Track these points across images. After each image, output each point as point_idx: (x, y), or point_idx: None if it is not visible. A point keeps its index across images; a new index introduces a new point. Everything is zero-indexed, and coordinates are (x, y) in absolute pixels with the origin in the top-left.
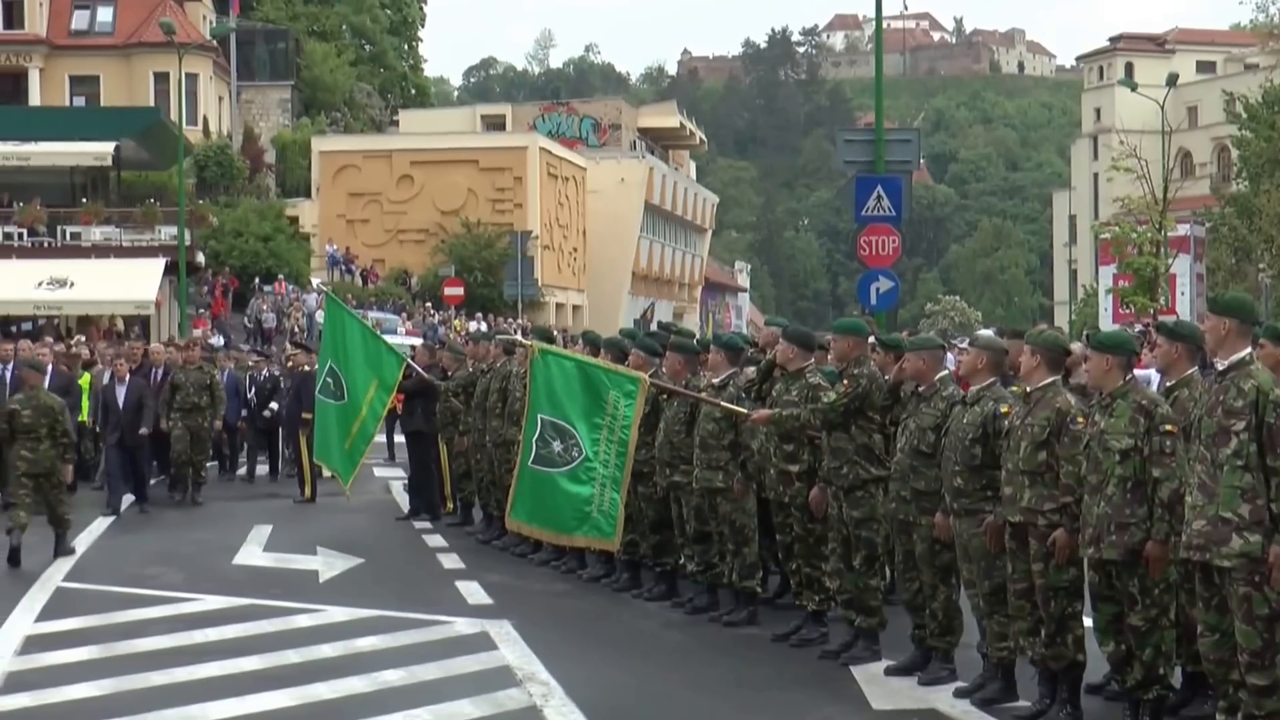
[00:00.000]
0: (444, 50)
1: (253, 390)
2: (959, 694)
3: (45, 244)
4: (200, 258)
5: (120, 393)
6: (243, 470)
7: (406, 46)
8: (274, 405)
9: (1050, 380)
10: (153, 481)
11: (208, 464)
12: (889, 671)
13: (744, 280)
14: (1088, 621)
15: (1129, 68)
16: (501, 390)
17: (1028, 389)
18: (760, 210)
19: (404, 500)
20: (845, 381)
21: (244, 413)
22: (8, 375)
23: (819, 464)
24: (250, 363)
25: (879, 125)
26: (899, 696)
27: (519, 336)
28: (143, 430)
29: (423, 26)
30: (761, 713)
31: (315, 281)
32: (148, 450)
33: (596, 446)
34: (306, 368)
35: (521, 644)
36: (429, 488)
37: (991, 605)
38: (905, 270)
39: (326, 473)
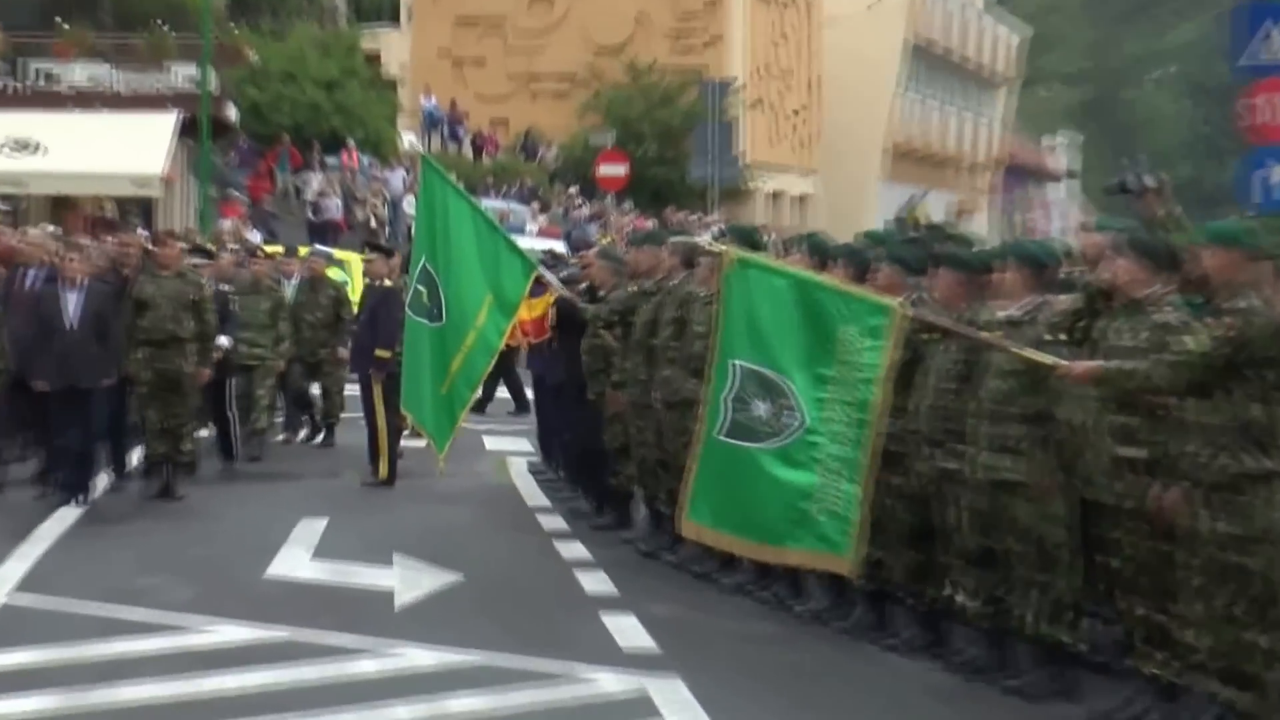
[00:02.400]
0: None
1: None
2: None
3: (5, 89)
4: (232, 112)
5: (70, 305)
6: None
7: None
8: (223, 340)
9: None
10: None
11: (197, 434)
12: None
13: (1062, 161)
14: None
15: None
16: (677, 321)
17: None
18: (1091, 53)
19: (526, 486)
20: (1225, 321)
21: None
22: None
23: (1172, 449)
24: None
25: None
26: None
27: (706, 239)
28: (105, 380)
29: None
30: None
31: (405, 142)
32: (106, 405)
33: (822, 411)
34: (388, 281)
35: (699, 713)
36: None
37: None
38: None
39: (420, 442)
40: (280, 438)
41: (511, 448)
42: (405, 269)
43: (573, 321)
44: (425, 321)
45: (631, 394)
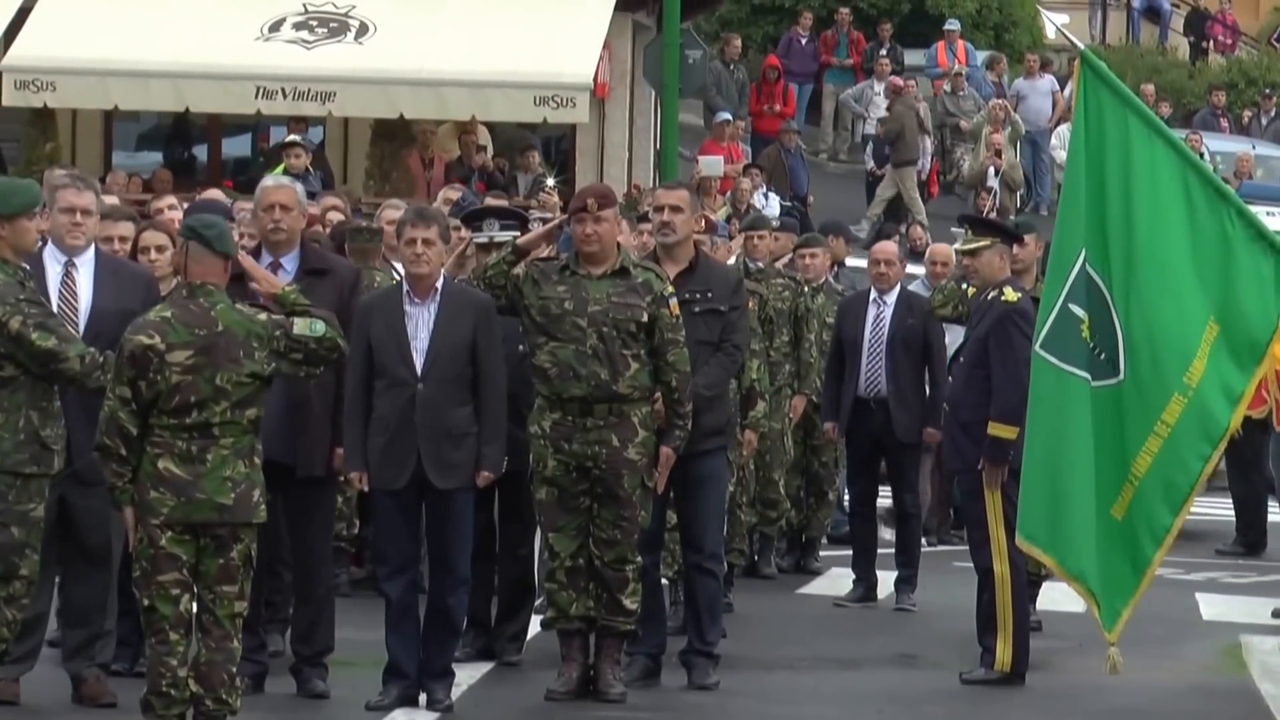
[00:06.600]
0: None
1: None
2: None
3: None
4: None
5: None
6: None
7: None
8: None
9: None
10: None
11: None
12: None
13: None
14: None
15: None
16: None
17: None
18: None
19: None
20: None
21: None
22: None
23: None
24: None
25: None
26: None
27: None
28: None
29: None
30: None
31: (1049, 26)
32: None
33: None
34: (1010, 295)
35: None
36: None
37: None
38: None
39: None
40: None
41: (1250, 617)
42: (1041, 268)
43: None
44: (1081, 374)
45: None
